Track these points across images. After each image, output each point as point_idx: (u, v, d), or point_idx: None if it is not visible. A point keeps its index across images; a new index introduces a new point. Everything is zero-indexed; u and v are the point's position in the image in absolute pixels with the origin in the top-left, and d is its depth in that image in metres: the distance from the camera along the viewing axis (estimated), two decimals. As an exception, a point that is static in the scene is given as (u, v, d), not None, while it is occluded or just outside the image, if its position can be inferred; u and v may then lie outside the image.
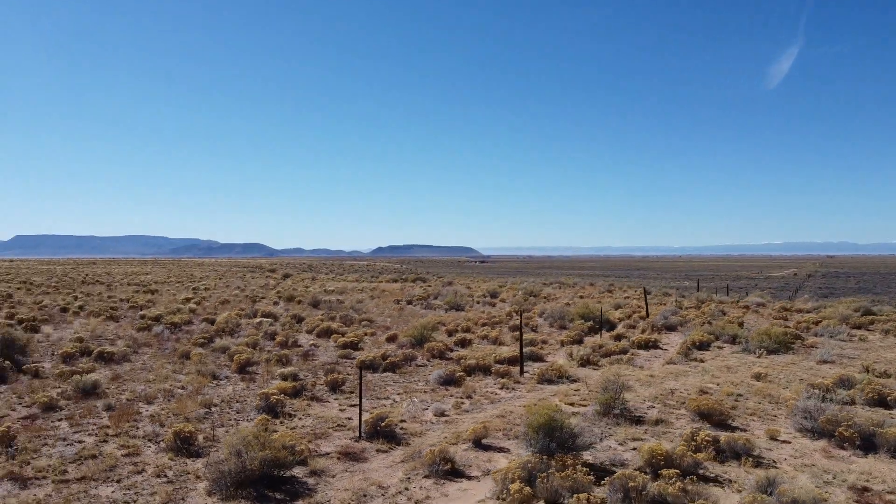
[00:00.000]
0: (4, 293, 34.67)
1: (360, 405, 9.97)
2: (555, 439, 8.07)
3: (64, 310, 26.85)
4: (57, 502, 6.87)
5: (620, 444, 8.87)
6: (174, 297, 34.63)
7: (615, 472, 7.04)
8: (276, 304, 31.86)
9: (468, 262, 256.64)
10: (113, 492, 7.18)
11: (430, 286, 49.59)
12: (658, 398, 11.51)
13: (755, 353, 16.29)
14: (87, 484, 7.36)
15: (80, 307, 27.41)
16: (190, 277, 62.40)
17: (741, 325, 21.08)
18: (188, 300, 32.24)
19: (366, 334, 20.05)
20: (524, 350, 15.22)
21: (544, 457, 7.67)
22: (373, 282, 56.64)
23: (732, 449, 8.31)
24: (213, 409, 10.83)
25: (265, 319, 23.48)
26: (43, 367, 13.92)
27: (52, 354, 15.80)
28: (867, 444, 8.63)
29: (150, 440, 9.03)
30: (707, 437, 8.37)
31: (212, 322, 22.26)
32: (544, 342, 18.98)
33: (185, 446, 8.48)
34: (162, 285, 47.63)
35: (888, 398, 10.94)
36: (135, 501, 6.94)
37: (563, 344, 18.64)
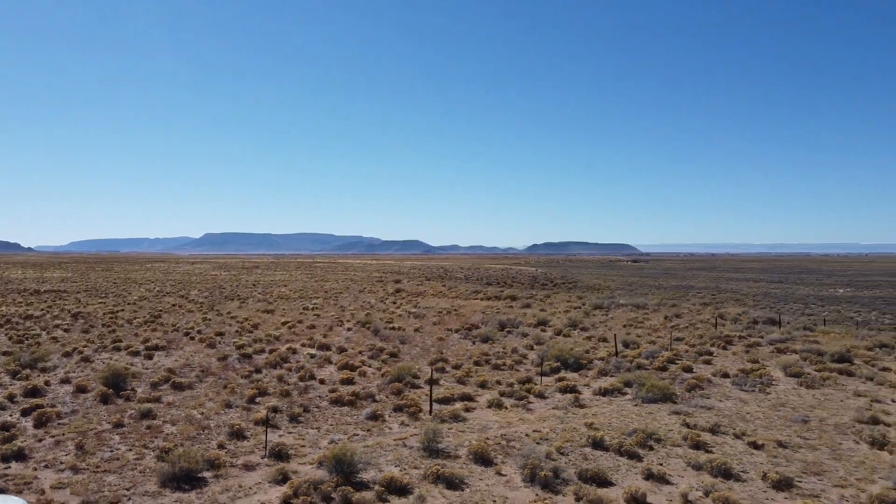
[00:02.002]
0: (154, 313, 45.02)
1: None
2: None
3: (187, 333, 35.80)
4: (84, 479, 13.84)
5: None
6: (283, 317, 43.26)
7: None
8: (349, 329, 39.10)
9: (620, 262, 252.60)
10: (113, 480, 14.07)
11: (512, 306, 55.04)
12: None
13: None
14: (100, 473, 14.32)
15: (199, 332, 36.28)
16: (318, 290, 72.02)
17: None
18: (285, 323, 40.45)
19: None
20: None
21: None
22: (457, 296, 62.63)
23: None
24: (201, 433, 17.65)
25: (308, 352, 30.57)
26: (134, 392, 21.69)
27: (147, 382, 23.71)
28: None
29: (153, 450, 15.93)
30: None
31: (273, 351, 29.72)
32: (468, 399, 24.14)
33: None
34: (284, 301, 57.00)
35: None
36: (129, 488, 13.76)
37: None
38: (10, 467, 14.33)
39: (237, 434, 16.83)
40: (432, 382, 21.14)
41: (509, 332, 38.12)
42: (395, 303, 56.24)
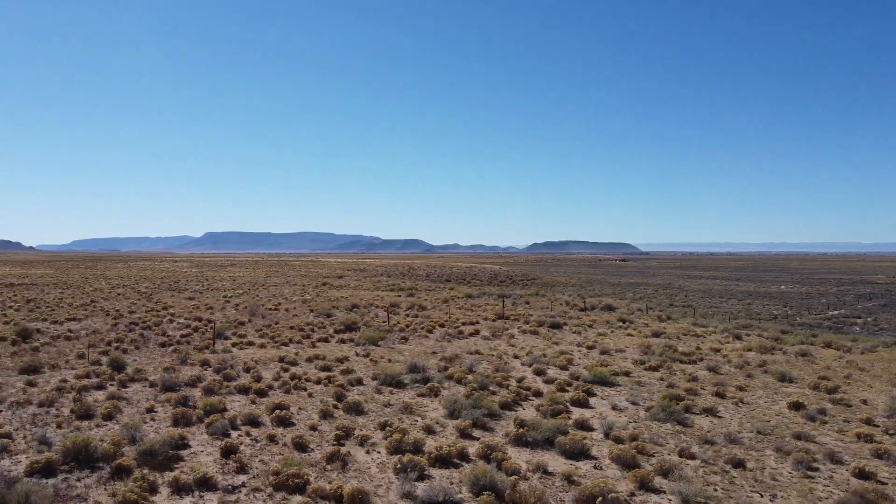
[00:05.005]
0: (93, 298, 56.96)
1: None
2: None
3: (105, 311, 47.70)
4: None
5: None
6: (194, 302, 55.20)
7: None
8: (234, 308, 50.92)
9: (608, 260, 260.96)
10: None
11: (400, 296, 67.01)
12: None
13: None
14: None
15: (116, 310, 48.22)
16: (255, 284, 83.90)
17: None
18: (193, 307, 52.36)
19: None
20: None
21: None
22: (364, 289, 74.43)
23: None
24: None
25: (178, 322, 42.50)
26: (36, 340, 33.54)
27: (48, 336, 35.51)
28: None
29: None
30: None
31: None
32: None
33: None
34: (210, 292, 68.90)
35: None
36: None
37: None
38: (-61, 366, 26.20)
39: (81, 356, 28.75)
40: (214, 332, 33.17)
41: (359, 311, 49.98)
42: (303, 293, 68.09)
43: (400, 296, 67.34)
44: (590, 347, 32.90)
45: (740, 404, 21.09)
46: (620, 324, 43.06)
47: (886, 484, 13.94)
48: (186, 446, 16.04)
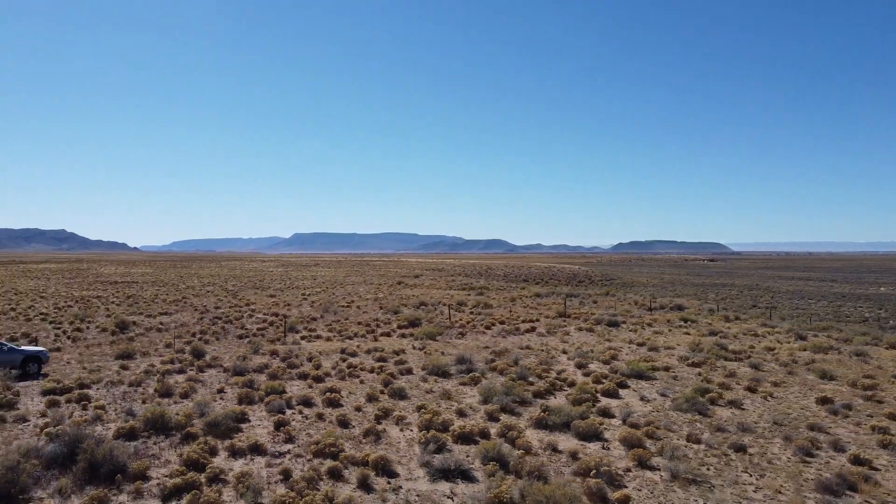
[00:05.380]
0: (185, 295, 61.78)
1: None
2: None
3: (194, 307, 51.93)
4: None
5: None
6: (274, 299, 59.06)
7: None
8: (310, 305, 54.20)
9: (696, 261, 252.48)
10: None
11: (469, 294, 68.98)
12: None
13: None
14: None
15: (203, 305, 52.39)
16: (334, 283, 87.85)
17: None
18: (273, 303, 56.11)
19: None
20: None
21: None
22: (436, 288, 76.68)
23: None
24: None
25: (257, 317, 45.86)
26: (132, 331, 37.47)
27: (142, 327, 39.47)
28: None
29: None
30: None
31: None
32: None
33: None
34: (289, 290, 72.97)
35: None
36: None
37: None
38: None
39: (168, 345, 32.15)
40: (286, 326, 36.06)
41: (426, 309, 52.22)
42: (377, 292, 71.10)
43: (469, 294, 69.24)
44: (640, 345, 33.72)
45: (769, 398, 21.73)
46: (682, 323, 43.39)
47: (879, 470, 14.66)
48: (246, 420, 18.46)
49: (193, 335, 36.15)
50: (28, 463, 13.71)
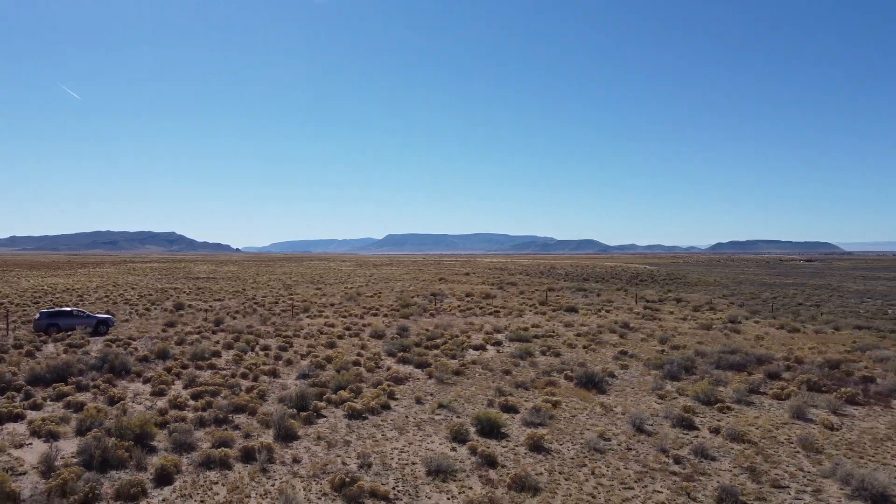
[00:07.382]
0: (245, 287, 74.13)
1: (213, 319, 43.12)
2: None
3: (253, 298, 63.79)
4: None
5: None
6: (324, 294, 70.34)
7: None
8: (347, 299, 65.00)
9: (793, 261, 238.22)
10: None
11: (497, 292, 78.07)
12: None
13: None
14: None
15: (261, 297, 64.16)
16: (390, 280, 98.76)
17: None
18: (320, 296, 67.37)
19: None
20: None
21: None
22: (472, 284, 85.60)
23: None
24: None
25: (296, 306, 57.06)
26: (186, 312, 49.21)
27: (196, 309, 51.19)
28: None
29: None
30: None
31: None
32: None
33: (172, 323, 42.31)
34: (338, 286, 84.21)
35: None
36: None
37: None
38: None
39: (205, 320, 43.48)
40: (293, 307, 46.78)
41: (433, 298, 61.81)
42: (411, 285, 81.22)
43: (492, 288, 78.09)
44: (567, 325, 41.87)
45: (586, 350, 30.16)
46: (652, 313, 49.47)
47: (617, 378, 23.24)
48: (218, 356, 28.96)
49: (228, 314, 47.45)
50: (82, 364, 24.66)
